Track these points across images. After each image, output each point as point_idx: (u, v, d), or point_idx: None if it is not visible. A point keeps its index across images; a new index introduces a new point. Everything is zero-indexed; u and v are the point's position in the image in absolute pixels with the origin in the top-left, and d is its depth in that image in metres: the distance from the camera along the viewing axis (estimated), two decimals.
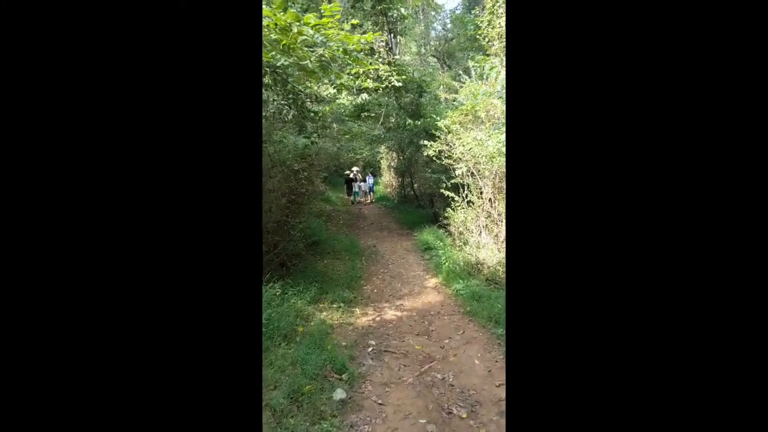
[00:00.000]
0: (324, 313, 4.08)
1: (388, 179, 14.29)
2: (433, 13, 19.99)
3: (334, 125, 5.33)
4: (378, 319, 4.15)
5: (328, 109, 5.43)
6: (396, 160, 12.05)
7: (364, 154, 14.30)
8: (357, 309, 4.34)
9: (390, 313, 4.31)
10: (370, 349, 3.42)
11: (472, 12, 11.55)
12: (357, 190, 13.18)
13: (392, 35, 7.71)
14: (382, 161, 14.86)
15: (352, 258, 6.38)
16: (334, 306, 4.32)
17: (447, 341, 3.63)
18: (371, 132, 9.12)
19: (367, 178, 13.77)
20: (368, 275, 5.73)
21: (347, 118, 8.02)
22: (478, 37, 7.51)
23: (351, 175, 13.18)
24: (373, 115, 9.27)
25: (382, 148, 13.07)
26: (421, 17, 17.01)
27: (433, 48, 18.40)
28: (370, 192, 13.86)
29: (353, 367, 3.02)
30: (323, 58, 3.49)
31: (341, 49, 3.32)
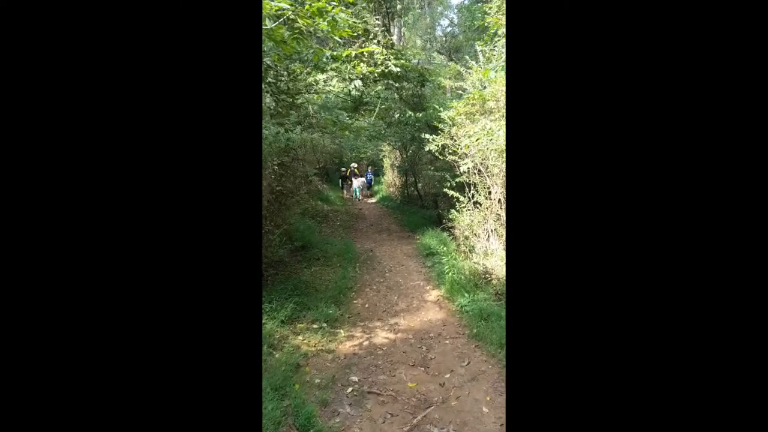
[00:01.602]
0: (300, 337, 3.39)
1: (390, 178, 13.61)
2: (440, 8, 19.38)
3: (321, 113, 4.62)
4: (366, 343, 3.46)
5: (316, 97, 4.76)
6: (399, 159, 11.41)
7: (368, 153, 14.10)
8: (342, 330, 3.65)
9: (381, 336, 3.61)
10: (350, 389, 2.72)
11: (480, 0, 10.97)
12: (359, 186, 13.01)
13: (390, 17, 6.97)
14: (384, 159, 14.21)
15: (345, 265, 5.69)
16: (315, 326, 3.63)
17: (448, 376, 2.93)
18: (369, 127, 8.42)
19: (366, 174, 13.71)
20: (361, 286, 5.03)
21: (345, 113, 7.35)
22: (487, 25, 6.81)
23: (347, 172, 13.07)
24: (373, 109, 8.59)
25: (385, 146, 12.51)
26: (426, 9, 16.29)
27: (439, 44, 17.72)
28: (369, 187, 13.79)
29: (323, 421, 2.32)
30: (294, 24, 2.80)
31: (315, 10, 2.63)
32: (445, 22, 20.01)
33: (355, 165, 13.50)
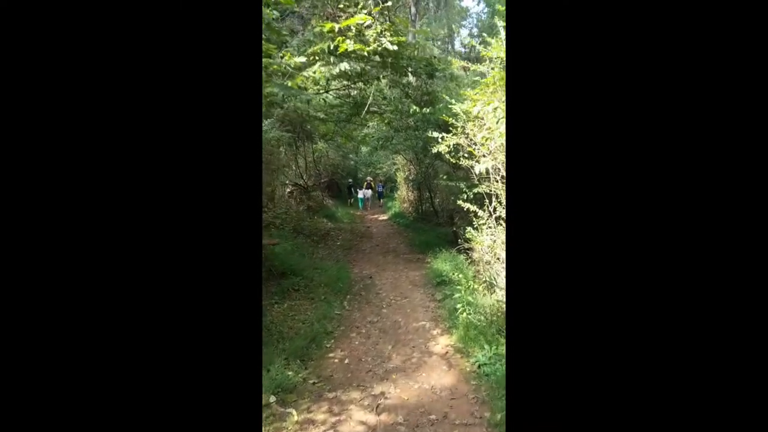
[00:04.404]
0: None
1: (404, 193, 12.44)
2: (458, 18, 18.64)
3: (292, 100, 3.57)
4: None
5: (291, 84, 3.73)
6: (413, 172, 10.28)
7: (383, 168, 14.83)
8: (294, 411, 2.42)
9: (355, 419, 2.37)
10: None
11: None
12: (362, 197, 13.42)
13: None
14: (397, 173, 13.14)
15: (332, 298, 4.48)
16: None
17: None
18: (374, 133, 7.33)
19: (377, 186, 14.66)
20: (345, 329, 3.81)
21: (341, 112, 6.31)
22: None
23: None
24: (378, 112, 7.50)
25: (399, 159, 11.44)
26: (443, 13, 15.36)
27: (458, 55, 16.87)
28: (379, 198, 14.67)
29: None
30: None
31: None
32: (464, 32, 19.22)
33: (371, 179, 14.70)
